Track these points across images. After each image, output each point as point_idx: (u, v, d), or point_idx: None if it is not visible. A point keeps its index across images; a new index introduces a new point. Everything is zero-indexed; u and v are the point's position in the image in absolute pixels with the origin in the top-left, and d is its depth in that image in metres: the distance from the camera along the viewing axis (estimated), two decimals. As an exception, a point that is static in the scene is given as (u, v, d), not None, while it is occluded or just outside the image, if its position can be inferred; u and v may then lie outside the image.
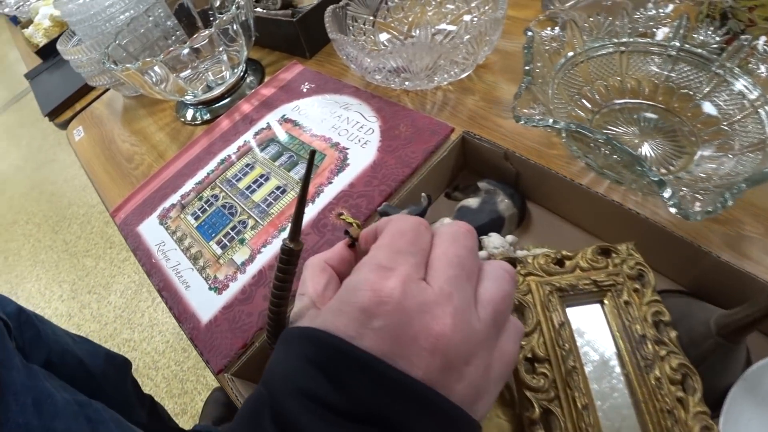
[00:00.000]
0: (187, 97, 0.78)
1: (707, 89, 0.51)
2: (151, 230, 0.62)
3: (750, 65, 0.48)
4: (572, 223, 0.47)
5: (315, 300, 0.24)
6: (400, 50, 0.56)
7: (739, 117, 0.47)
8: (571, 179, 0.42)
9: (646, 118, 0.54)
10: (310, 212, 0.54)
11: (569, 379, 0.31)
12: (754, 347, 0.35)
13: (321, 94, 0.70)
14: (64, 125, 1.04)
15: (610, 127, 0.53)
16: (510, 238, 0.42)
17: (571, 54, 0.56)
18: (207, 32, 0.67)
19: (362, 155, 0.58)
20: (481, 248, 0.41)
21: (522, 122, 0.43)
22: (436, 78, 0.61)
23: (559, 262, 0.36)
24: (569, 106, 0.54)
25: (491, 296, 0.22)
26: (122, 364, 0.85)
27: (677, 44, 0.54)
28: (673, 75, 0.54)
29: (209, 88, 0.79)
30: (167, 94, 0.74)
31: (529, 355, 0.32)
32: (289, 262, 0.24)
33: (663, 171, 0.48)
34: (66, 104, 1.09)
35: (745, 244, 0.42)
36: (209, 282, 0.52)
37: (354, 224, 0.27)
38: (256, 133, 0.69)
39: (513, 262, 0.36)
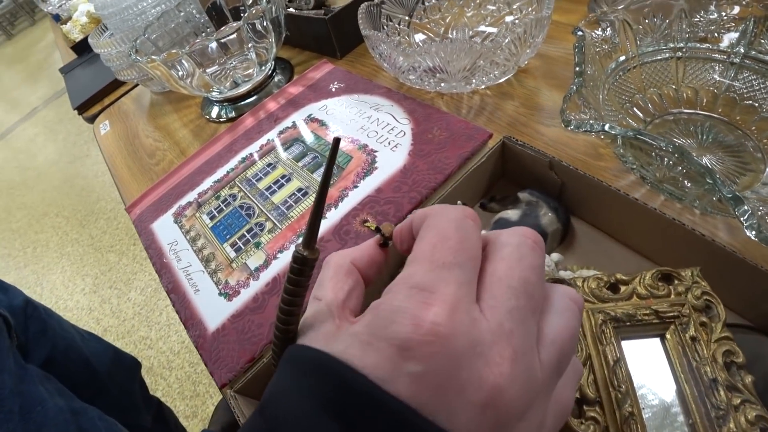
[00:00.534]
0: (213, 93, 0.76)
1: (776, 101, 0.45)
2: (165, 228, 0.59)
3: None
4: (621, 242, 0.42)
5: (333, 309, 0.19)
6: (437, 49, 0.53)
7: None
8: (625, 193, 0.37)
9: (704, 130, 0.49)
10: (332, 217, 0.51)
11: (625, 428, 0.26)
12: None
13: (350, 93, 0.67)
14: (92, 119, 1.03)
15: (665, 138, 0.48)
16: (555, 256, 0.37)
17: (622, 58, 0.52)
18: (235, 24, 0.65)
19: (392, 159, 0.54)
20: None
21: (571, 127, 0.38)
22: (473, 80, 0.57)
23: (613, 287, 0.31)
24: (620, 115, 0.50)
25: (557, 335, 0.17)
26: (130, 365, 0.83)
27: (742, 51, 0.49)
28: (736, 84, 0.49)
29: (236, 85, 0.76)
30: (193, 89, 0.72)
31: (577, 396, 0.27)
32: (301, 272, 0.20)
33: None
34: (95, 98, 1.09)
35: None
36: (220, 287, 0.49)
37: (372, 228, 0.23)
38: (281, 132, 0.66)
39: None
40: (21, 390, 0.49)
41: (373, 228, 0.31)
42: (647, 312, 0.30)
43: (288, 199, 0.55)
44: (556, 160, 0.41)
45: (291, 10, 0.82)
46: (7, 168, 3.33)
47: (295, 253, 0.20)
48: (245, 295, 0.47)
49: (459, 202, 0.40)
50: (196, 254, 0.53)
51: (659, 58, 0.52)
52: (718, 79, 0.50)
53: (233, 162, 0.64)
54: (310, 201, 0.54)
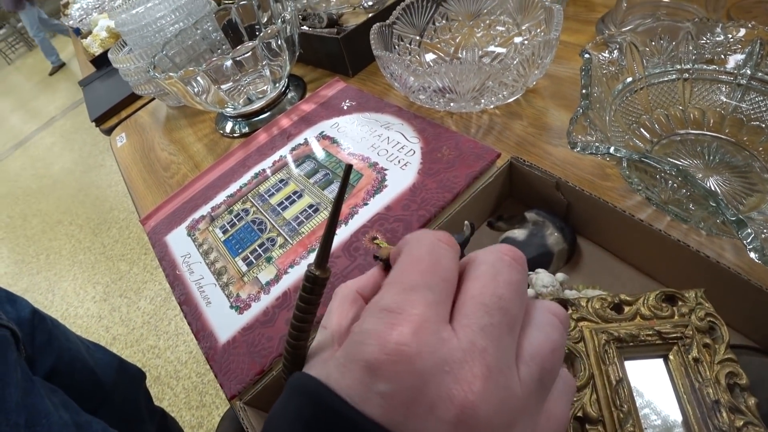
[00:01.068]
0: (227, 109, 0.78)
1: (783, 122, 0.46)
2: (178, 241, 0.60)
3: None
4: (627, 263, 0.43)
5: (335, 337, 0.20)
6: (447, 69, 0.54)
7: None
8: (630, 214, 0.38)
9: (711, 151, 0.49)
10: (342, 234, 0.52)
11: (627, 448, 0.26)
12: None
13: (362, 111, 0.68)
14: (108, 131, 1.06)
15: (670, 159, 0.49)
16: (560, 275, 0.38)
17: (629, 80, 0.52)
18: (251, 44, 0.67)
19: (401, 177, 0.55)
20: (528, 286, 0.37)
21: (577, 149, 0.39)
22: (482, 100, 0.58)
23: (617, 307, 0.32)
24: (626, 135, 0.50)
25: (537, 350, 0.17)
26: (135, 375, 0.84)
27: (748, 72, 0.49)
28: (743, 105, 0.50)
29: (250, 101, 0.78)
30: (208, 105, 0.74)
31: (579, 414, 0.28)
32: (313, 291, 0.21)
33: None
34: (112, 111, 1.12)
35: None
36: (231, 300, 0.50)
37: (382, 246, 0.24)
38: (293, 149, 0.67)
39: (564, 303, 0.32)
40: (27, 403, 0.50)
41: (382, 245, 0.32)
42: (650, 333, 0.30)
43: (299, 215, 0.56)
44: (563, 181, 0.42)
45: (305, 28, 0.84)
46: (24, 175, 3.40)
47: (307, 273, 0.21)
48: (256, 308, 0.48)
49: (466, 222, 0.41)
50: (209, 267, 0.55)
51: (666, 79, 0.53)
52: (724, 100, 0.51)
53: (246, 177, 0.66)
54: (321, 217, 0.55)
